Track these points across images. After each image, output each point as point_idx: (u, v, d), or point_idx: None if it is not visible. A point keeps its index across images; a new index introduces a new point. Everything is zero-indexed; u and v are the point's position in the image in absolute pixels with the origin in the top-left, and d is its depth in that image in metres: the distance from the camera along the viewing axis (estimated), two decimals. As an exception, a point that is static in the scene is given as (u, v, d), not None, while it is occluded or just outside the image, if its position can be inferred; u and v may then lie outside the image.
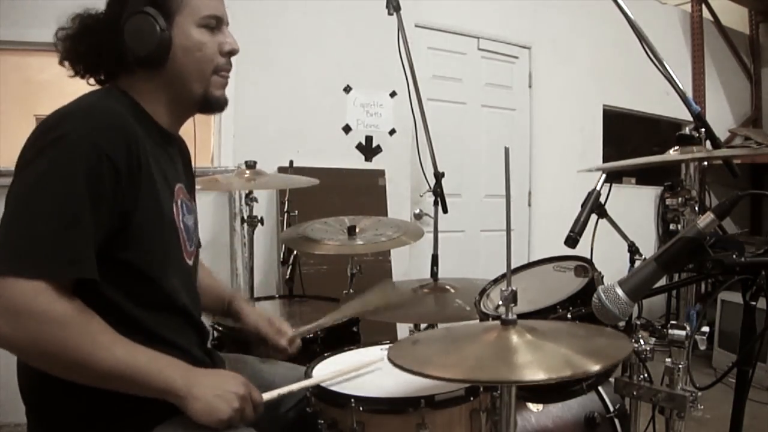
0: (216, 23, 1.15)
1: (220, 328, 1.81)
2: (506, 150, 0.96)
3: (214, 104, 1.19)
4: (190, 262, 1.20)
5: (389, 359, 0.94)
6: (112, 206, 0.98)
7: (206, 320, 1.39)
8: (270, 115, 3.20)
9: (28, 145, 1.00)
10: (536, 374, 0.83)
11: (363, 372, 1.33)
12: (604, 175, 1.34)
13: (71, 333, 0.92)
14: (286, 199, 2.60)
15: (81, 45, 1.13)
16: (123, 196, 1.00)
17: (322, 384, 1.24)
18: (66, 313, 0.92)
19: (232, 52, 1.18)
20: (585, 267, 1.32)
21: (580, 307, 1.17)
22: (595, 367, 0.83)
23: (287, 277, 2.37)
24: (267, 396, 1.12)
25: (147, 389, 0.98)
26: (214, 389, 1.02)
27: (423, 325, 1.89)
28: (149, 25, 1.07)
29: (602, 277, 1.27)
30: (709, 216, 0.95)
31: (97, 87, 1.15)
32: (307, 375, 1.30)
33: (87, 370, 0.94)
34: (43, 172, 0.94)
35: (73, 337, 0.92)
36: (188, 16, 1.12)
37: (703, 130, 1.22)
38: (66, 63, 1.14)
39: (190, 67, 1.13)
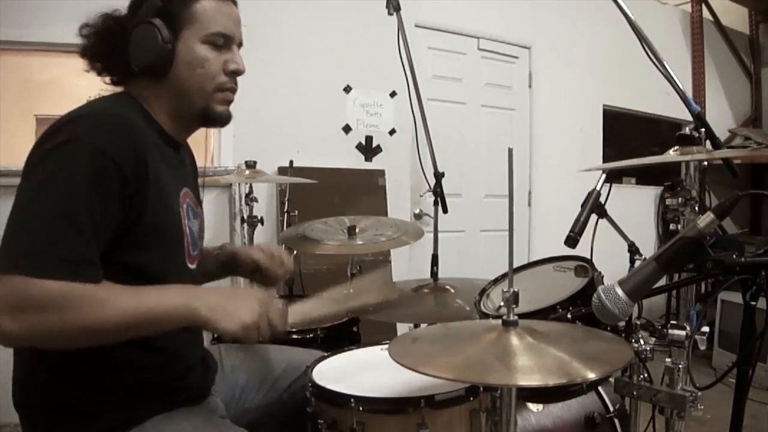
0: (224, 41, 1.16)
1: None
2: (510, 151, 0.95)
3: (216, 120, 1.20)
4: (193, 267, 1.20)
5: (390, 355, 0.94)
6: (119, 210, 0.99)
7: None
8: (270, 115, 3.20)
9: (36, 147, 1.00)
10: (535, 379, 0.84)
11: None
12: (604, 175, 1.34)
13: (70, 304, 0.90)
14: (286, 199, 2.60)
15: (99, 44, 1.14)
16: (130, 201, 1.01)
17: (323, 385, 1.24)
18: (61, 289, 0.90)
19: (237, 72, 1.19)
20: (585, 267, 1.32)
21: (580, 307, 1.17)
22: (593, 375, 0.84)
23: (287, 276, 2.37)
24: (293, 317, 1.15)
25: (168, 323, 0.98)
26: (232, 300, 1.02)
27: (423, 325, 1.89)
28: (152, 36, 1.09)
29: (602, 277, 1.27)
30: (709, 216, 0.94)
31: (105, 88, 1.17)
32: (307, 374, 1.30)
33: (101, 331, 0.93)
34: (50, 173, 0.95)
35: (73, 306, 0.90)
36: (195, 32, 1.13)
37: (703, 130, 1.22)
38: (85, 59, 1.15)
39: (192, 81, 1.14)
